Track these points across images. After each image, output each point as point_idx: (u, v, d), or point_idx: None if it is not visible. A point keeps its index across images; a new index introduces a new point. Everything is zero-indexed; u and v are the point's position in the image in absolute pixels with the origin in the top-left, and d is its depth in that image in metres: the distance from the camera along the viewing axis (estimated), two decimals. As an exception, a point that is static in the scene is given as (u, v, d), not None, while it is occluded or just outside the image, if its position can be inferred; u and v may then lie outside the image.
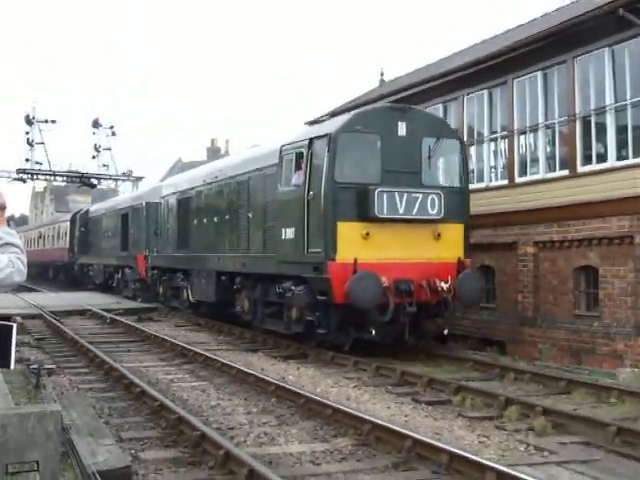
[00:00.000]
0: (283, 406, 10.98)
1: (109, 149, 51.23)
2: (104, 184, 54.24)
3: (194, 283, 22.70)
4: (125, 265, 31.49)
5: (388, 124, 15.17)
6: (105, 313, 24.41)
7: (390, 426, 9.00)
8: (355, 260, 14.10)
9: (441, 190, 15.23)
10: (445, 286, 14.42)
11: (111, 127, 51.66)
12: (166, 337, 18.42)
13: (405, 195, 14.73)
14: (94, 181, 51.52)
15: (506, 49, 18.07)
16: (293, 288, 15.60)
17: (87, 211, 42.02)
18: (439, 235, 15.22)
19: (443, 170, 16.68)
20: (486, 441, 8.91)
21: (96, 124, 51.09)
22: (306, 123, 27.71)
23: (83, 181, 50.62)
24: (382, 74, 33.16)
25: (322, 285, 14.55)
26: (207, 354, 15.41)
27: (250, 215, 18.41)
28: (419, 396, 11.59)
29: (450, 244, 15.39)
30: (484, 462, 7.44)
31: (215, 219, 21.18)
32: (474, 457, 7.64)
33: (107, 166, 50.80)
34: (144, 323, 22.51)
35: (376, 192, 14.46)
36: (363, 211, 14.71)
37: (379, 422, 9.17)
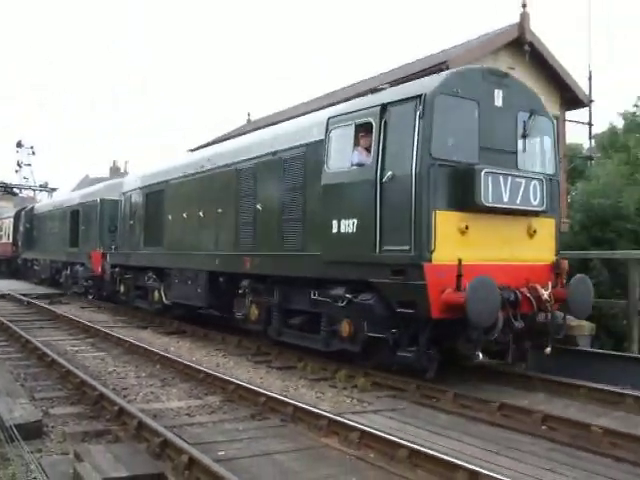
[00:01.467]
0: (166, 371, 10.93)
1: (29, 165, 51.45)
2: (24, 193, 52.65)
3: (172, 284, 15.97)
4: (75, 262, 25.19)
5: (485, 90, 9.77)
6: (22, 297, 23.30)
7: (249, 386, 9.11)
8: (459, 262, 8.63)
9: (542, 176, 10.02)
10: (546, 294, 9.43)
11: (31, 147, 52.10)
12: (73, 317, 17.82)
13: (509, 179, 9.48)
14: (16, 190, 50.49)
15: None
16: (348, 296, 9.81)
17: (32, 208, 36.00)
18: (534, 232, 10.03)
19: (537, 153, 10.82)
20: (322, 396, 9.12)
21: (19, 144, 51.69)
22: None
23: (7, 190, 49.40)
24: (249, 114, 32.58)
25: (408, 294, 8.86)
26: (106, 330, 15.06)
27: (259, 207, 12.31)
28: (272, 363, 11.72)
29: (544, 242, 10.25)
30: (319, 412, 7.66)
31: (201, 214, 14.54)
32: (312, 408, 7.85)
33: (27, 179, 51.00)
34: (55, 305, 21.62)
35: (482, 173, 9.06)
36: (463, 197, 9.15)
37: (241, 383, 9.27)
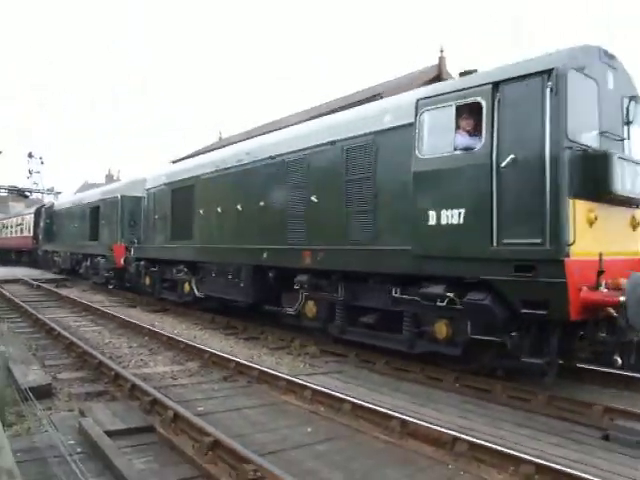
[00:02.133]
0: (153, 342, 10.73)
1: (38, 172, 50.44)
2: (34, 195, 51.52)
3: (206, 277, 13.39)
4: (96, 254, 22.21)
5: (600, 71, 7.35)
6: (32, 281, 22.62)
7: (221, 354, 9.02)
8: (600, 256, 6.46)
9: None
10: None
11: (40, 157, 50.98)
12: (75, 298, 17.38)
13: (633, 167, 7.21)
14: (27, 193, 49.42)
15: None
16: (449, 295, 7.34)
17: (52, 205, 33.02)
18: (638, 223, 7.61)
19: (638, 140, 8.02)
20: (281, 362, 9.07)
21: (30, 155, 50.70)
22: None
23: (20, 193, 48.33)
24: (220, 133, 32.28)
25: (539, 292, 6.46)
26: (102, 309, 14.70)
27: (314, 199, 9.64)
28: (239, 335, 11.60)
29: None
30: (279, 374, 7.64)
31: (240, 207, 11.71)
32: (273, 371, 7.82)
33: (37, 184, 49.97)
34: (60, 288, 21.05)
35: (615, 159, 6.75)
36: (594, 185, 6.76)
37: (214, 351, 9.19)
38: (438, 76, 16.68)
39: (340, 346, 9.79)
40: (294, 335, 10.74)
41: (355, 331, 9.36)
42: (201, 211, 13.45)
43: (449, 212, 7.34)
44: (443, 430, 5.38)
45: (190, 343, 9.98)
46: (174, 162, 23.23)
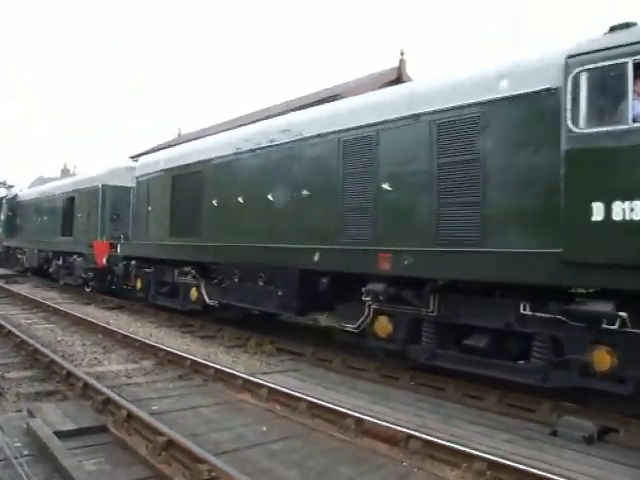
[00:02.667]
0: (107, 340, 10.48)
1: None
2: (-17, 188, 49.80)
3: (225, 282, 10.88)
4: (70, 252, 18.95)
5: None
6: (-19, 278, 21.75)
7: (177, 352, 8.86)
8: None
9: None
10: None
11: None
12: (26, 294, 16.83)
13: None
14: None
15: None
16: (623, 315, 5.42)
17: (15, 196, 28.53)
18: None
19: None
20: (237, 360, 8.97)
21: None
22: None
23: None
24: (179, 129, 31.89)
25: None
26: (55, 306, 14.28)
27: (386, 187, 7.57)
28: (195, 333, 11.44)
29: None
30: (235, 373, 7.54)
31: (271, 197, 9.48)
32: (229, 370, 7.71)
33: None
34: (10, 285, 20.28)
35: None
36: None
37: (170, 349, 9.02)
38: (398, 79, 16.86)
39: (296, 344, 9.75)
40: (250, 333, 10.65)
41: (451, 356, 7.18)
42: (214, 202, 10.98)
43: (627, 204, 5.32)
44: (398, 428, 5.40)
45: (145, 341, 9.79)
46: (134, 158, 22.16)
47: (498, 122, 6.59)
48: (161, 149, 19.61)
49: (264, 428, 5.74)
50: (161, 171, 13.28)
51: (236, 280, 10.60)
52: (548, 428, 5.83)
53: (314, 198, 8.86)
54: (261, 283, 9.87)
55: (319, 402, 6.24)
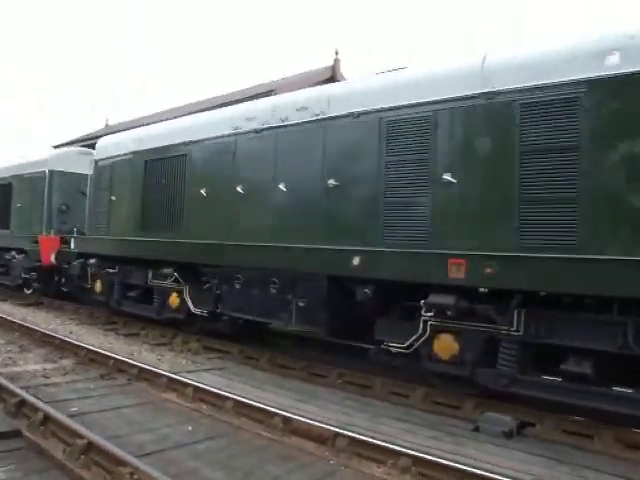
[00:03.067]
0: (24, 338, 9.99)
1: None
2: None
3: (221, 288, 9.14)
4: (7, 247, 16.29)
5: None
6: None
7: (99, 350, 8.56)
8: None
9: None
10: None
11: None
12: None
13: None
14: None
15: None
16: None
17: None
18: None
19: None
20: (162, 358, 8.75)
21: None
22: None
23: None
24: (107, 120, 30.85)
25: None
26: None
27: (449, 178, 6.33)
28: (119, 331, 11.07)
29: None
30: (160, 371, 7.35)
31: (283, 187, 8.08)
32: (153, 369, 7.51)
33: None
34: None
35: None
36: None
37: (92, 348, 8.69)
38: (332, 77, 17.00)
39: (223, 342, 9.61)
40: (176, 331, 10.42)
41: (537, 383, 5.99)
42: (202, 191, 9.40)
43: None
44: (325, 426, 5.38)
45: (65, 339, 9.41)
46: (57, 147, 20.93)
47: (606, 103, 5.51)
48: (88, 139, 18.72)
49: (189, 428, 5.61)
50: (130, 154, 11.32)
51: (237, 286, 8.82)
52: (471, 424, 5.98)
53: (344, 189, 7.40)
54: (274, 290, 8.16)
55: (245, 401, 6.16)
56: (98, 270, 12.12)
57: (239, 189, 8.79)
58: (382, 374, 7.50)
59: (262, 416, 5.83)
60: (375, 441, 5.06)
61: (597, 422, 5.70)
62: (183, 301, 10.04)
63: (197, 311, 9.73)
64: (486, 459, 5.00)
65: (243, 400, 6.18)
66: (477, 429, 5.86)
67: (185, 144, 10.01)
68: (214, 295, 9.36)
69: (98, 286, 12.20)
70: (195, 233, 9.57)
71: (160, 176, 10.52)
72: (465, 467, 4.54)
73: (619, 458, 5.24)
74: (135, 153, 11.24)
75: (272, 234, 8.24)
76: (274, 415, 5.73)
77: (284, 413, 5.73)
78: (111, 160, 11.96)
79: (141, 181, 10.96)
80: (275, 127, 8.50)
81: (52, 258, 13.79)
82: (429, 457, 4.74)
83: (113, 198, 11.72)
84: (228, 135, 9.22)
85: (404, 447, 4.94)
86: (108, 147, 12.31)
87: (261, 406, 5.98)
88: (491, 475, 4.39)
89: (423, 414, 6.39)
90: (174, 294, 10.24)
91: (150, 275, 10.82)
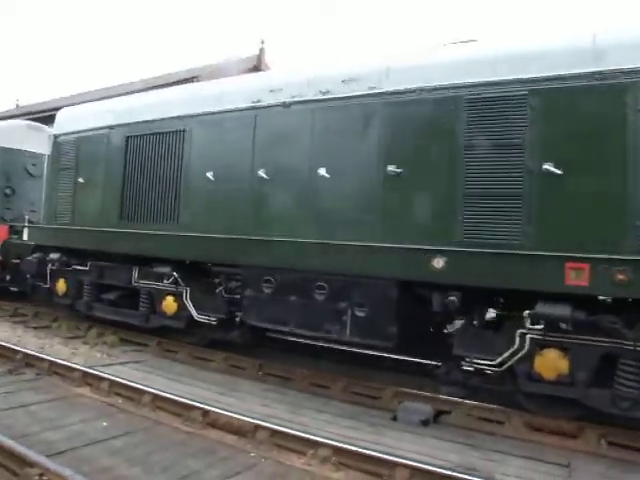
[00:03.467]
0: None
1: None
2: None
3: (246, 292, 7.50)
4: None
5: None
6: None
7: (6, 344, 8.07)
8: None
9: None
10: None
11: None
12: None
13: None
14: None
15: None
16: None
17: None
18: None
19: None
20: (76, 352, 8.38)
21: None
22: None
23: None
24: (17, 100, 29.19)
25: None
26: None
27: (550, 168, 5.40)
28: (28, 323, 10.51)
29: None
30: (73, 365, 7.05)
31: (324, 172, 6.79)
32: (66, 362, 7.19)
33: None
34: None
35: None
36: None
37: (-2, 342, 8.29)
38: (257, 66, 16.88)
39: (141, 335, 9.35)
40: (90, 323, 10.04)
41: None
42: (208, 175, 7.93)
43: None
44: (245, 419, 5.34)
45: (-32, 333, 8.86)
46: None
47: None
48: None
49: (105, 424, 5.41)
50: (105, 128, 9.51)
51: (267, 291, 7.26)
52: (390, 414, 6.10)
53: (409, 178, 6.32)
54: (320, 297, 6.80)
55: (164, 394, 6.01)
56: (61, 267, 10.14)
57: (262, 173, 7.39)
58: (302, 365, 7.53)
59: (181, 409, 5.71)
60: (295, 432, 5.07)
61: (508, 409, 5.96)
62: (182, 306, 8.37)
63: (202, 318, 8.17)
64: (403, 447, 5.12)
65: (161, 393, 6.03)
66: (395, 418, 5.98)
67: (184, 118, 8.46)
68: (226, 300, 7.93)
69: (61, 286, 10.17)
70: (199, 224, 8.03)
71: (148, 155, 8.87)
72: (382, 455, 4.63)
73: (527, 441, 5.52)
74: (114, 127, 9.40)
75: (311, 229, 6.93)
76: (193, 408, 5.63)
77: (203, 406, 5.64)
78: (76, 135, 10.04)
79: (121, 161, 9.15)
80: (309, 101, 7.17)
81: None
82: (348, 446, 4.79)
83: (80, 180, 9.80)
84: (245, 109, 7.72)
85: (324, 438, 4.97)
86: (73, 119, 10.34)
87: (180, 399, 5.86)
88: (405, 461, 4.49)
89: (343, 405, 6.46)
90: (169, 298, 8.50)
91: (136, 274, 8.99)
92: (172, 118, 8.65)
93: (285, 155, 7.29)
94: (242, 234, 7.47)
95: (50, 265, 10.28)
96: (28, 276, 10.91)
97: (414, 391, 6.58)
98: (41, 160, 12.30)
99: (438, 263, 5.83)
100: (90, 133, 9.83)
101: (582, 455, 5.22)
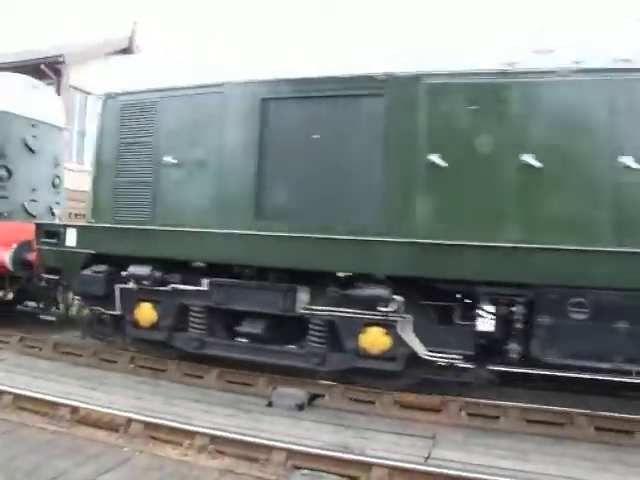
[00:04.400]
0: None
1: None
2: None
3: (543, 323, 5.32)
4: None
5: None
6: None
7: None
8: None
9: None
10: None
11: None
12: None
13: None
14: None
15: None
16: None
17: None
18: None
19: None
20: None
21: None
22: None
23: None
24: None
25: None
26: None
27: None
28: None
29: None
30: None
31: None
32: None
33: None
34: None
35: None
36: None
37: None
38: (128, 48, 16.23)
39: (1, 331, 8.70)
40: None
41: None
42: (434, 158, 5.73)
43: None
44: (116, 413, 5.16)
45: None
46: None
47: None
48: None
49: (-42, 429, 5.00)
50: (219, 85, 6.79)
51: (578, 317, 5.27)
52: (265, 400, 6.16)
53: None
54: (624, 325, 5.13)
55: (27, 393, 5.66)
56: (149, 286, 7.06)
57: (531, 160, 5.42)
58: (176, 356, 7.39)
59: (47, 408, 5.40)
60: (169, 423, 4.98)
61: (378, 389, 6.24)
62: (398, 341, 6.04)
63: (433, 357, 5.95)
64: (279, 431, 5.20)
65: (23, 393, 5.67)
66: (270, 404, 6.06)
67: (377, 79, 6.00)
68: (472, 332, 5.82)
69: (147, 313, 7.19)
70: (433, 228, 5.73)
71: (311, 128, 6.31)
72: (258, 440, 4.68)
73: (397, 418, 5.81)
74: (238, 85, 6.68)
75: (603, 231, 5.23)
76: (59, 406, 5.34)
77: (71, 402, 5.37)
78: (160, 95, 7.16)
79: (255, 133, 6.56)
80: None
81: (7, 261, 8.43)
82: (225, 434, 4.79)
83: (169, 160, 6.99)
84: (491, 73, 5.65)
85: (201, 427, 4.93)
86: (146, 74, 7.64)
87: (45, 397, 5.54)
88: (281, 444, 4.57)
89: (219, 393, 6.43)
90: (375, 330, 6.07)
91: (306, 297, 6.48)
92: (361, 77, 6.10)
93: (576, 139, 5.41)
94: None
95: (122, 284, 7.27)
96: (77, 299, 8.63)
97: (288, 377, 6.68)
98: (43, 130, 9.57)
99: None
100: (188, 92, 6.99)
101: (446, 427, 5.59)
